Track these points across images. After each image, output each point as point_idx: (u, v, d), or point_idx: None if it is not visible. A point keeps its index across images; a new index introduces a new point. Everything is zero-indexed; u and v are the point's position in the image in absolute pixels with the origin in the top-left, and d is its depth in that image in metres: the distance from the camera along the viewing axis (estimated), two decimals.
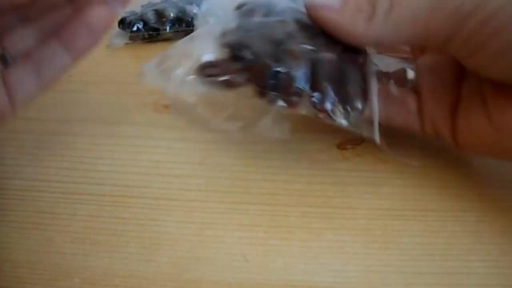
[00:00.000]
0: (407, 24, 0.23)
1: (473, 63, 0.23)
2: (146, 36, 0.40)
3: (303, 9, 0.25)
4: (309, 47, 0.24)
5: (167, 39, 0.40)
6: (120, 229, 0.26)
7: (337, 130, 0.25)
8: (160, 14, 0.40)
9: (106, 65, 0.37)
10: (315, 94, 0.24)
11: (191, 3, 0.41)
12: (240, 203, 0.27)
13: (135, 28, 0.39)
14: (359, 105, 0.24)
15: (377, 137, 0.24)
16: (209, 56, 0.25)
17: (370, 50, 0.25)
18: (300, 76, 0.23)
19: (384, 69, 0.27)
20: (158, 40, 0.40)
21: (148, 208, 0.27)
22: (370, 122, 0.24)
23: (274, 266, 0.25)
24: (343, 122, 0.24)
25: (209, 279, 0.24)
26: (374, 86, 0.25)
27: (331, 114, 0.24)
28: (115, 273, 0.24)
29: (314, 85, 0.24)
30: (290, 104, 0.24)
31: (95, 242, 0.26)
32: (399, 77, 0.27)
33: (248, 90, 0.24)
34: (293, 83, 0.23)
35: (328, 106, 0.24)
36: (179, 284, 0.24)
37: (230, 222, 0.26)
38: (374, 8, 0.23)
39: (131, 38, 0.40)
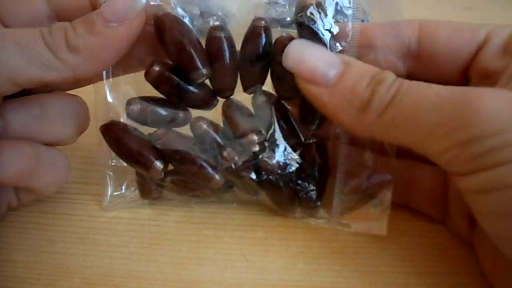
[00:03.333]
0: (402, 130, 0.20)
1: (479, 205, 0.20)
2: None
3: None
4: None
5: None
6: (120, 229, 0.26)
7: None
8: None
9: None
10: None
11: (190, 3, 0.40)
12: (240, 203, 0.27)
13: None
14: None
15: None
16: None
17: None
18: None
19: None
20: None
21: (148, 208, 0.27)
22: None
23: (274, 266, 0.25)
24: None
25: (209, 279, 0.24)
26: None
27: None
28: (115, 273, 0.24)
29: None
30: None
31: (95, 242, 0.26)
32: None
33: None
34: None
35: None
36: (179, 284, 0.24)
37: (230, 222, 0.26)
38: (371, 97, 0.20)
39: None
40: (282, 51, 0.22)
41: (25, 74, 0.21)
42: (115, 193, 0.27)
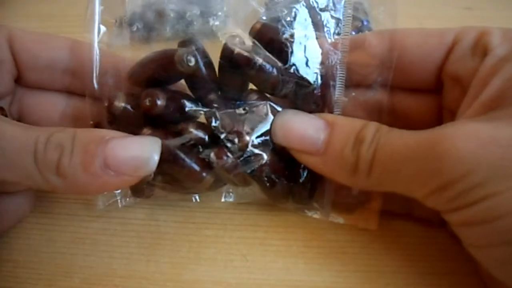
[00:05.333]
0: (389, 183, 0.21)
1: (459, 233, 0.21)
2: (146, 36, 0.39)
3: None
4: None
5: (167, 39, 0.40)
6: (120, 229, 0.26)
7: None
8: (159, 14, 0.40)
9: None
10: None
11: (191, 3, 0.40)
12: (240, 203, 0.27)
13: (134, 28, 0.39)
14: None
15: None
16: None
17: None
18: None
19: None
20: (158, 41, 0.40)
21: (148, 208, 0.27)
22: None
23: (274, 266, 0.25)
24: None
25: (209, 279, 0.24)
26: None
27: None
28: (115, 273, 0.24)
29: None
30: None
31: (95, 242, 0.26)
32: None
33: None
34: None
35: None
36: (179, 284, 0.24)
37: (230, 222, 0.27)
38: (357, 159, 0.21)
39: (131, 38, 0.39)
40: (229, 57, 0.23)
41: (3, 177, 0.20)
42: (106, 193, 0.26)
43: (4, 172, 0.20)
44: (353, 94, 0.25)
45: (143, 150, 0.21)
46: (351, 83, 0.24)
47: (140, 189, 0.26)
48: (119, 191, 0.26)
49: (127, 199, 0.27)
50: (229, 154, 0.23)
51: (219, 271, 0.24)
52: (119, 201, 0.27)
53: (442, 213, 0.20)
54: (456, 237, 0.25)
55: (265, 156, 0.24)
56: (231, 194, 0.27)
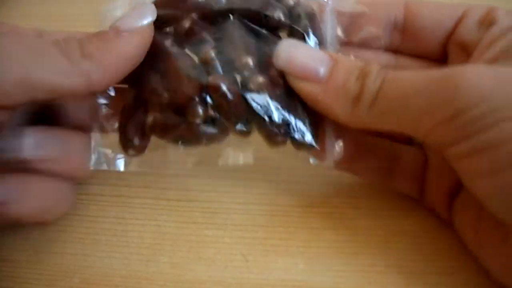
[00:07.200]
0: (393, 117, 0.21)
1: (466, 175, 0.21)
2: None
3: None
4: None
5: None
6: (120, 229, 0.26)
7: None
8: None
9: None
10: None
11: None
12: (240, 203, 0.27)
13: None
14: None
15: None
16: None
17: None
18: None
19: None
20: None
21: (148, 208, 0.27)
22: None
23: (274, 266, 0.25)
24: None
25: (209, 279, 0.24)
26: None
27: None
28: (115, 273, 0.24)
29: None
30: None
31: (95, 242, 0.26)
32: None
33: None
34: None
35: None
36: (179, 284, 0.24)
37: (230, 222, 0.27)
38: (361, 90, 0.21)
39: None
40: None
41: (38, 78, 0.20)
42: (100, 149, 0.25)
43: (41, 72, 0.20)
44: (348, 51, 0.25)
45: (145, 9, 0.23)
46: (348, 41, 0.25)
47: (129, 140, 0.24)
48: (110, 152, 0.25)
49: (121, 160, 0.25)
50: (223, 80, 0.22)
51: (219, 271, 0.24)
52: (115, 161, 0.25)
53: (448, 146, 0.20)
54: (457, 237, 0.25)
55: (260, 79, 0.23)
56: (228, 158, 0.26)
